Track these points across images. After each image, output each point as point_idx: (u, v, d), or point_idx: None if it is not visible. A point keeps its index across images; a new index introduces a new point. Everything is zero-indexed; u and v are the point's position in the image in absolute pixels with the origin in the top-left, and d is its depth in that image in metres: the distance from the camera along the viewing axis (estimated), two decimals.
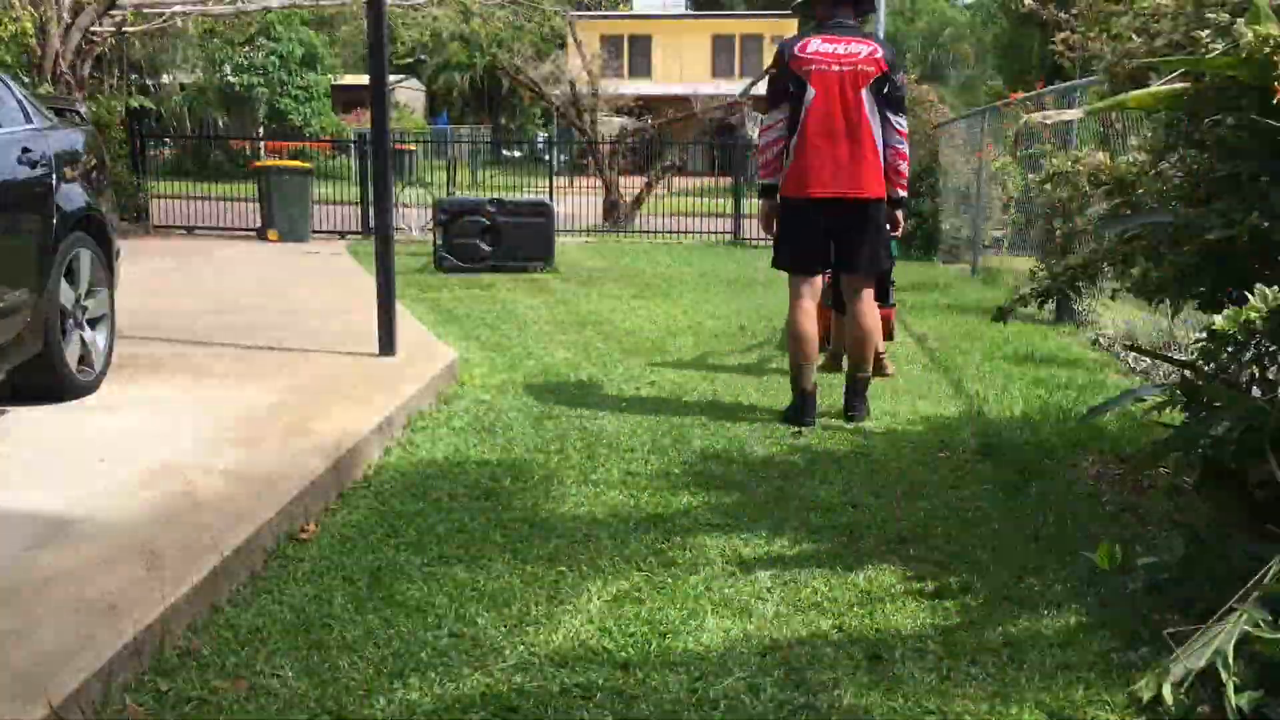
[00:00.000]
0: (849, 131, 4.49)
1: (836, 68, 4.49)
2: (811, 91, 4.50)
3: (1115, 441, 4.46)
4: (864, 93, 4.50)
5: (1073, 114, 5.65)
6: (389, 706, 2.26)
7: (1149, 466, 3.76)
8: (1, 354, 3.85)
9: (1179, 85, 2.87)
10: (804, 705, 2.29)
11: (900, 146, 4.61)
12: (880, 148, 4.55)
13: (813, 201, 4.54)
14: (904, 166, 4.65)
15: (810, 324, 4.67)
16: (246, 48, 26.07)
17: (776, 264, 4.80)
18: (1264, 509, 2.59)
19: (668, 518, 3.45)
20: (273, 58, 27.06)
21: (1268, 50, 2.56)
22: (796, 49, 4.58)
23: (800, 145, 4.53)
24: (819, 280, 4.81)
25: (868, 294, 4.76)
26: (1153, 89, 3.04)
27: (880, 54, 4.53)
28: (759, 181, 4.88)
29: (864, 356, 4.77)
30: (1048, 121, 5.73)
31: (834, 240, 4.64)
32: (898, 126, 4.59)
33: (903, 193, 4.70)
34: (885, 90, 4.53)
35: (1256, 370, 2.94)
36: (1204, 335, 2.66)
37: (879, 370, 5.30)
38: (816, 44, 4.55)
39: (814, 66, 4.50)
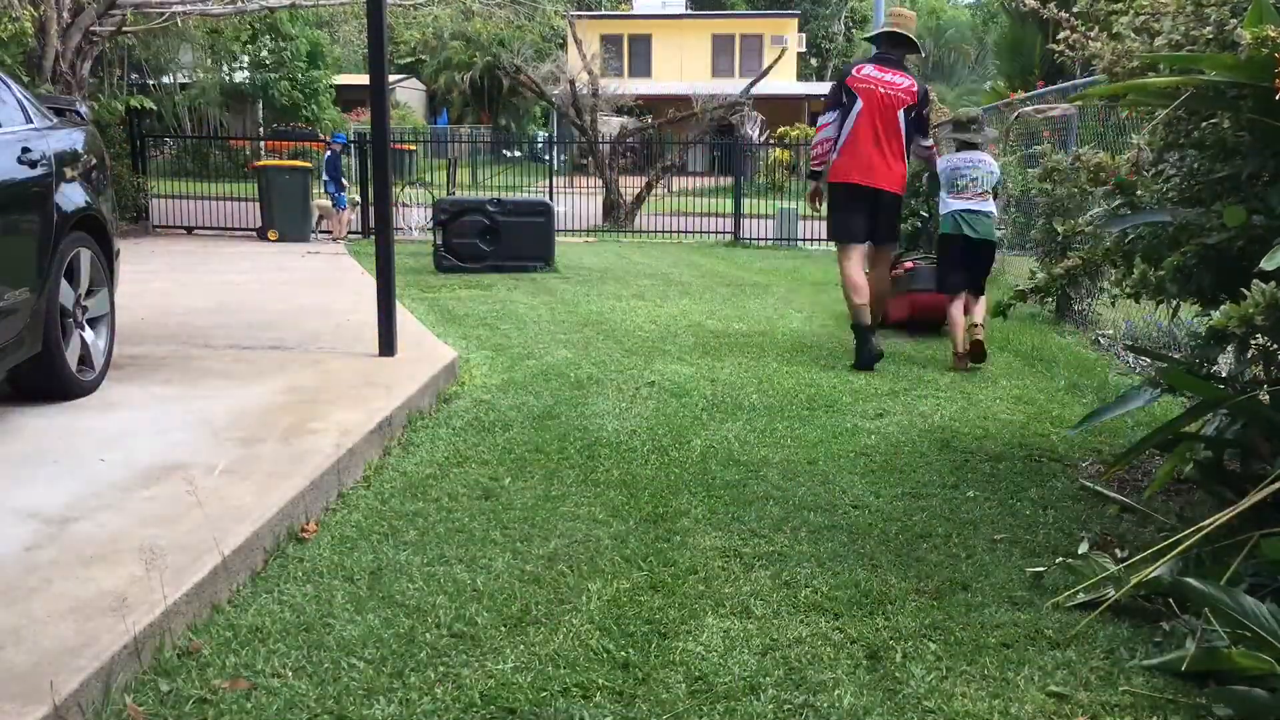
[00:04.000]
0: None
1: (882, 90, 5.90)
2: (860, 103, 5.88)
3: (1116, 443, 4.46)
4: (899, 114, 5.90)
5: (1063, 108, 5.68)
6: (389, 706, 2.26)
7: (1127, 463, 3.77)
8: (1, 354, 3.85)
9: (1178, 78, 2.87)
10: (804, 705, 2.29)
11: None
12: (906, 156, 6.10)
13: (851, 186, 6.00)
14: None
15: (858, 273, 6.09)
16: (256, 44, 26.09)
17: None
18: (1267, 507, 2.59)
19: (668, 518, 3.45)
20: (284, 53, 27.14)
21: (1267, 50, 2.56)
22: (854, 70, 6.05)
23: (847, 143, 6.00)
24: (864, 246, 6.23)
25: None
26: (1152, 79, 3.04)
27: (916, 88, 5.95)
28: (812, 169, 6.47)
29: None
30: (1039, 115, 5.79)
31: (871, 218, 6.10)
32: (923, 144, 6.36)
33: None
34: (914, 116, 5.98)
35: (1262, 370, 2.95)
36: (1199, 332, 2.67)
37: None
38: (869, 69, 5.97)
39: (865, 86, 5.94)
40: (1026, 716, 2.26)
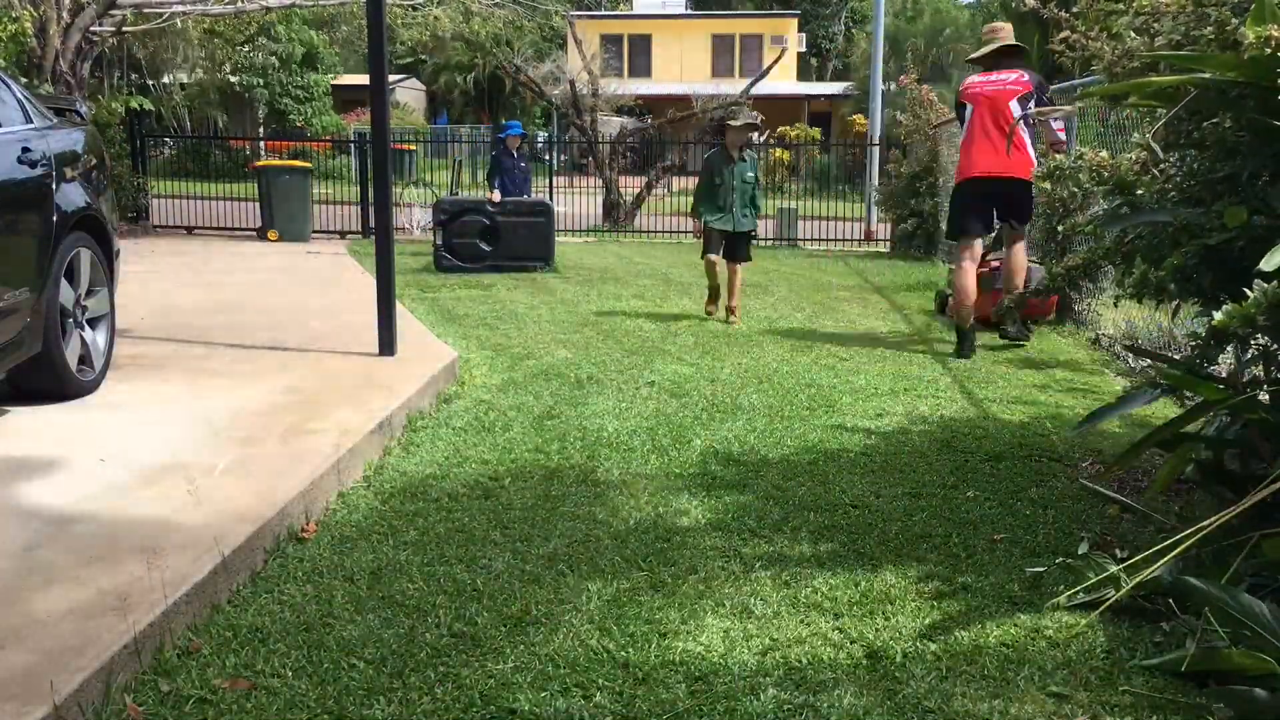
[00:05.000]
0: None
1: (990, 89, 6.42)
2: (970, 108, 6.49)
3: (1116, 443, 4.46)
4: (1013, 104, 6.27)
5: (1066, 110, 5.69)
6: (389, 706, 2.26)
7: (1127, 463, 3.76)
8: (2, 354, 3.85)
9: (1178, 78, 2.87)
10: (804, 705, 2.29)
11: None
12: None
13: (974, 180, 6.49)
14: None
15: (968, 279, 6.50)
16: (247, 47, 26.08)
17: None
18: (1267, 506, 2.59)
19: (668, 518, 3.45)
20: (273, 58, 27.10)
21: (1269, 50, 2.56)
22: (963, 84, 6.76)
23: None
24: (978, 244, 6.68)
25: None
26: (1152, 79, 3.03)
27: (1026, 78, 6.32)
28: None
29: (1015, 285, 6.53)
30: (1041, 117, 5.79)
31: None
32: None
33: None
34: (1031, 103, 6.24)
35: (1262, 370, 2.94)
36: (1199, 332, 2.67)
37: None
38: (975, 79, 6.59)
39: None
40: (1026, 716, 2.26)
